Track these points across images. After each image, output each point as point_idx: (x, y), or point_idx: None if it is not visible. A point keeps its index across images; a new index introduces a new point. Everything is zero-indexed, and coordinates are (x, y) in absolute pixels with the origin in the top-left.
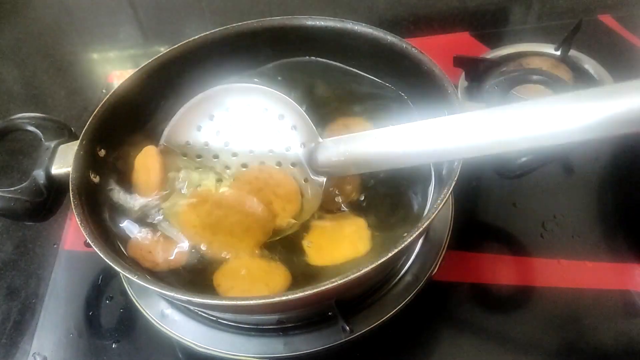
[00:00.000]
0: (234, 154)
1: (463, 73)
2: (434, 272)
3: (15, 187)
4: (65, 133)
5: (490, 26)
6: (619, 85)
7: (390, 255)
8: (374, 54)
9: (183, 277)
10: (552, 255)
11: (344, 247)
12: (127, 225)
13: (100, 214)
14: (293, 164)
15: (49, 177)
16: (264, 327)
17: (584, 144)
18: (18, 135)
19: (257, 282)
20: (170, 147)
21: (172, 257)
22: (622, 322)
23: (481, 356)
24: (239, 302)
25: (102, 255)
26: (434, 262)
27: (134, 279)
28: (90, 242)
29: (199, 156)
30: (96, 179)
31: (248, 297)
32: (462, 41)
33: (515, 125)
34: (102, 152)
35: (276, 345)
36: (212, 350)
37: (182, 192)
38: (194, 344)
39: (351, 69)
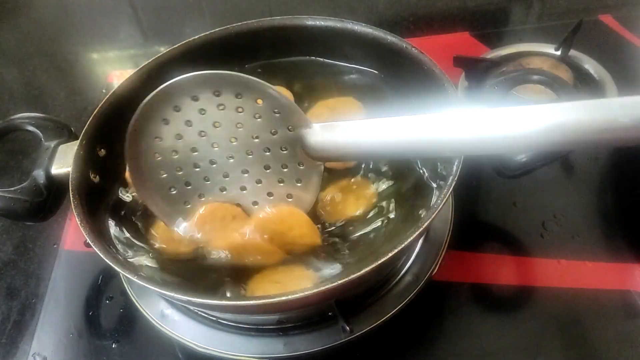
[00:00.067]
0: (214, 144)
1: (463, 73)
2: (434, 272)
3: (15, 187)
4: (65, 133)
5: (490, 26)
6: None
7: (390, 255)
8: (374, 53)
9: (198, 270)
10: (552, 255)
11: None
12: None
13: (100, 214)
14: (283, 148)
15: (49, 177)
16: (264, 327)
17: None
18: (18, 135)
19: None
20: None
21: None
22: (622, 322)
23: (481, 356)
24: (239, 302)
25: (102, 255)
26: (434, 262)
27: (134, 279)
28: (90, 242)
29: (175, 151)
30: (96, 179)
31: (248, 297)
32: (462, 41)
33: (509, 127)
34: (102, 152)
35: (276, 346)
36: (212, 350)
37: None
38: (194, 344)
39: (350, 65)
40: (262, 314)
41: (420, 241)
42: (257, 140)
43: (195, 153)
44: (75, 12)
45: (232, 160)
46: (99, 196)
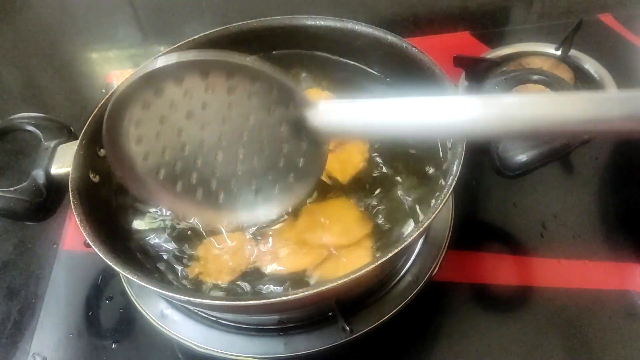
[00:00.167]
0: (203, 126)
1: (463, 73)
2: (434, 272)
3: (15, 187)
4: (65, 133)
5: (490, 26)
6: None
7: (390, 255)
8: (374, 53)
9: None
10: (552, 255)
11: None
12: None
13: (100, 214)
14: (281, 127)
15: (49, 177)
16: (264, 327)
17: (584, 144)
18: (18, 135)
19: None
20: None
21: None
22: (622, 322)
23: (481, 356)
24: (238, 302)
25: (102, 255)
26: (434, 262)
27: (134, 279)
28: (90, 242)
29: (158, 134)
30: (96, 179)
31: (248, 297)
32: (463, 41)
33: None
34: (102, 152)
35: (276, 346)
36: (212, 350)
37: None
38: (193, 344)
39: (350, 61)
40: (262, 314)
41: (420, 241)
42: (252, 120)
43: (183, 136)
44: (75, 12)
45: (224, 141)
46: (99, 196)
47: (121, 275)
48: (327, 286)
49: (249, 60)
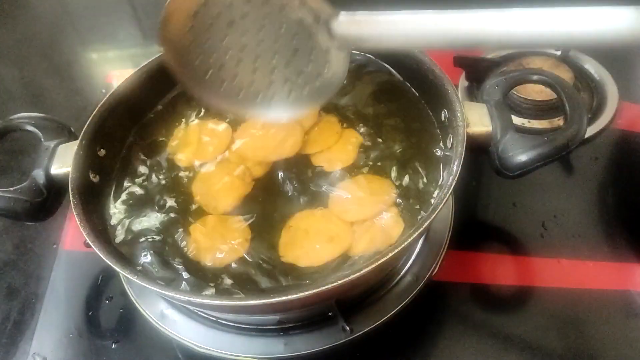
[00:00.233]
0: (243, 33)
1: (463, 73)
2: (434, 272)
3: (15, 187)
4: (65, 133)
5: None
6: None
7: (390, 255)
8: (374, 53)
9: None
10: (552, 255)
11: None
12: None
13: (100, 214)
14: (310, 36)
15: (49, 177)
16: (265, 327)
17: (584, 144)
18: (18, 135)
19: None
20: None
21: None
22: (622, 322)
23: (481, 356)
24: (238, 302)
25: (102, 255)
26: (434, 262)
27: (134, 279)
28: (90, 242)
29: (208, 37)
30: (96, 179)
31: (248, 298)
32: None
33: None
34: (101, 152)
35: (277, 346)
36: (212, 350)
37: None
38: (194, 344)
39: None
40: (262, 314)
41: (420, 241)
42: (284, 28)
43: (226, 40)
44: (75, 12)
45: (261, 46)
46: (99, 196)
47: (121, 275)
48: (327, 286)
49: None
